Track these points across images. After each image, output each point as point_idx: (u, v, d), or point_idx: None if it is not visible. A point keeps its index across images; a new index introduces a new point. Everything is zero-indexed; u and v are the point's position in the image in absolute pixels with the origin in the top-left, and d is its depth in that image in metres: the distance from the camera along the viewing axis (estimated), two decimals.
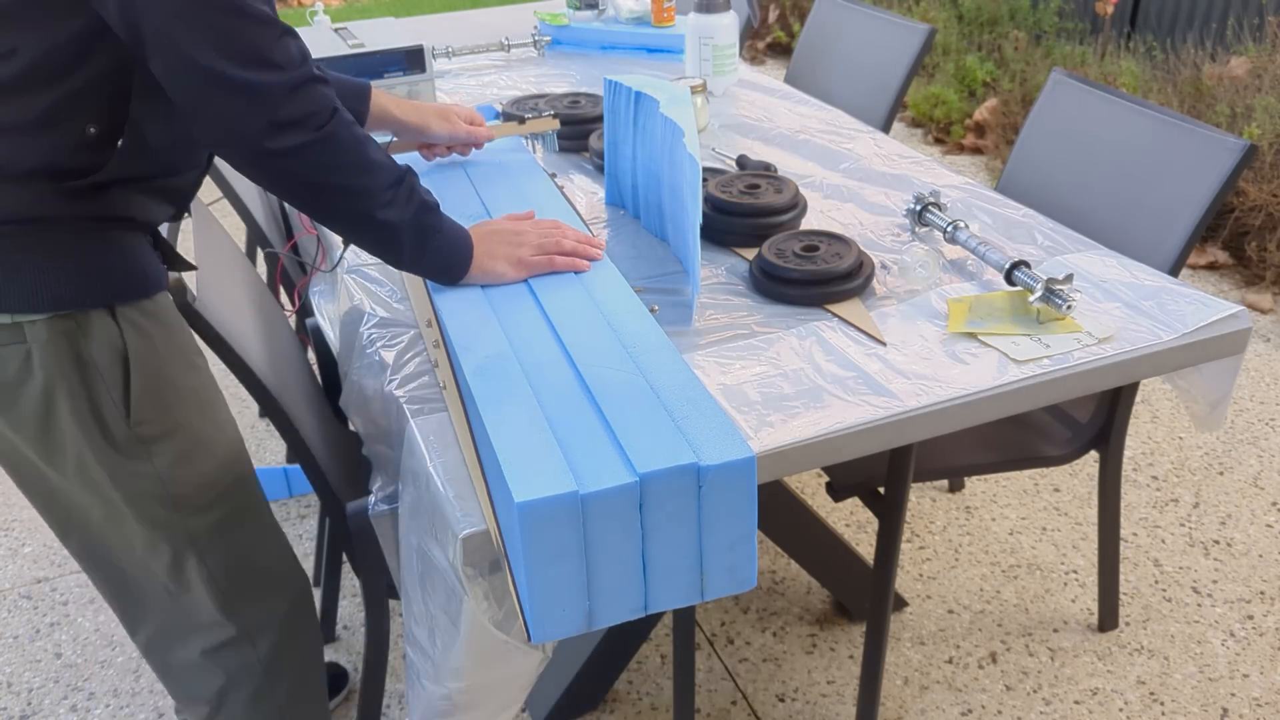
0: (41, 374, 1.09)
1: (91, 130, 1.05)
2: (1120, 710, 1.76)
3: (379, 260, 1.56)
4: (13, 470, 1.20)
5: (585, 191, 1.80)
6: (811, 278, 1.39)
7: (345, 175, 1.11)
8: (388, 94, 1.52)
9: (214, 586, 1.26)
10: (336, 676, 1.84)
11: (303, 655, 1.39)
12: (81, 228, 1.08)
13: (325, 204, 1.13)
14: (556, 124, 1.82)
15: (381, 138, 1.64)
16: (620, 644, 1.73)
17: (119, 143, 1.07)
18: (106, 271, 1.10)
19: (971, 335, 1.32)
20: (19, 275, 1.06)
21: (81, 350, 1.10)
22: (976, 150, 4.14)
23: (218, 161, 1.84)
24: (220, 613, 1.27)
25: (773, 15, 5.51)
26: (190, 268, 1.26)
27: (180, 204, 1.20)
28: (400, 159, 1.45)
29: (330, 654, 1.92)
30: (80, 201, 1.07)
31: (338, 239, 1.63)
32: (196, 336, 1.23)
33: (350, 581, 2.06)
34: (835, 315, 1.37)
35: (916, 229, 1.61)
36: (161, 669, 1.33)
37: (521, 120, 1.79)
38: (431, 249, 1.21)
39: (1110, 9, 4.27)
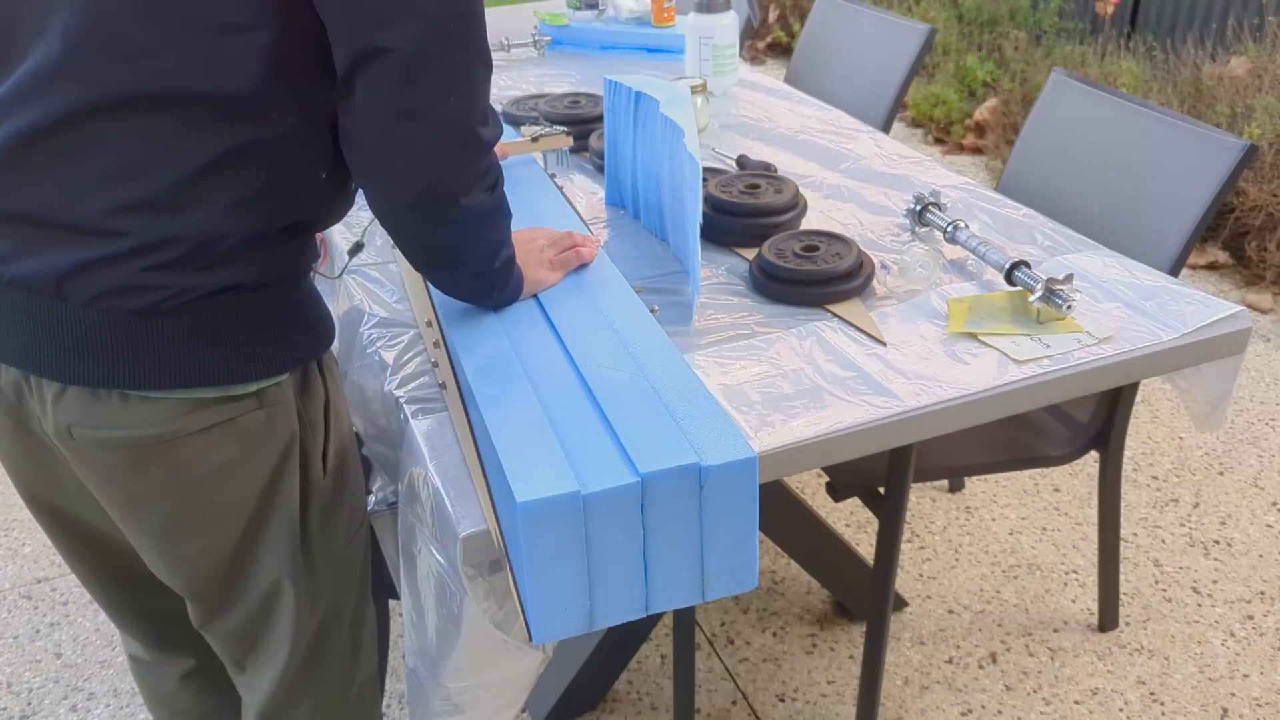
0: (281, 436, 1.02)
1: (322, 175, 0.99)
2: (1120, 710, 1.76)
3: (378, 261, 1.56)
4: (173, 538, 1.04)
5: (585, 191, 1.80)
6: (811, 278, 1.39)
7: (494, 232, 1.05)
8: None
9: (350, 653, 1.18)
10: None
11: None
12: (302, 279, 1.03)
13: (459, 260, 1.06)
14: (569, 141, 1.77)
15: None
16: (620, 644, 1.73)
17: (352, 184, 1.04)
18: (319, 316, 1.06)
19: (971, 335, 1.32)
20: (268, 337, 0.98)
21: (301, 408, 1.04)
22: (976, 150, 4.14)
23: None
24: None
25: (773, 15, 5.51)
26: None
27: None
28: None
29: None
30: (303, 253, 1.02)
31: (341, 242, 1.63)
32: None
33: None
34: (835, 315, 1.37)
35: (916, 229, 1.61)
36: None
37: (535, 139, 1.73)
38: (512, 285, 1.19)
39: (1110, 9, 4.27)
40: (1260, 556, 2.07)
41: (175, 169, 0.89)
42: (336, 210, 1.05)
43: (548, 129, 1.76)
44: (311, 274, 1.06)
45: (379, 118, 0.90)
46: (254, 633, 1.12)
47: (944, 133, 4.30)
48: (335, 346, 1.52)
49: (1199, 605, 1.96)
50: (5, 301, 0.94)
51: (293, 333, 1.01)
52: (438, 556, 1.09)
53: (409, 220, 0.99)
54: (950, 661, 1.86)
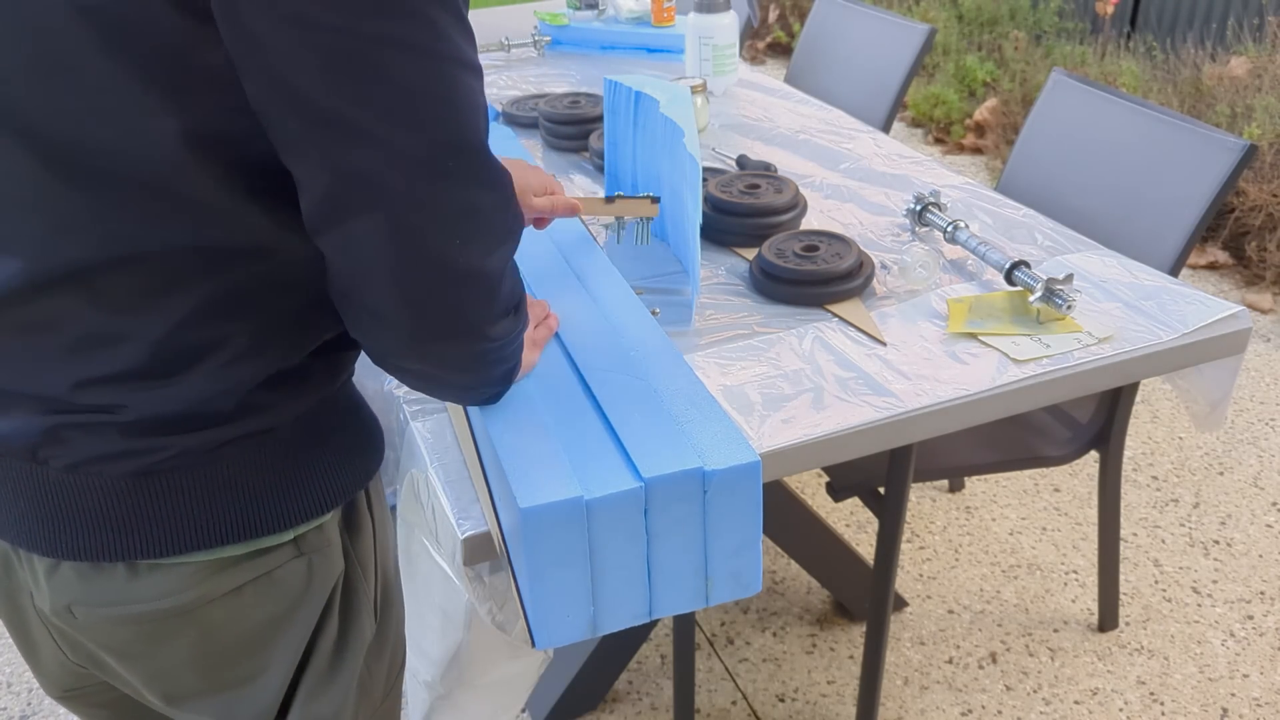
0: (325, 584, 0.88)
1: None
2: (1120, 710, 1.76)
3: None
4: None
5: (585, 191, 1.80)
6: (811, 278, 1.39)
7: (513, 346, 0.89)
8: None
9: None
10: None
11: None
12: (339, 396, 0.89)
13: (476, 385, 0.90)
14: (655, 210, 1.41)
15: None
16: (620, 644, 1.73)
17: None
18: (365, 431, 0.91)
19: (971, 335, 1.32)
20: (305, 474, 0.84)
21: (349, 548, 0.90)
22: (976, 150, 4.14)
23: None
24: None
25: (773, 15, 5.51)
26: None
27: None
28: None
29: None
30: (342, 368, 0.88)
31: None
32: None
33: None
34: (835, 315, 1.37)
35: (916, 229, 1.60)
36: None
37: (610, 200, 1.40)
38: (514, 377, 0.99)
39: (1110, 9, 4.27)
40: (1260, 556, 2.07)
41: (147, 334, 0.74)
42: None
43: (634, 196, 1.42)
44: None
45: (370, 277, 0.74)
46: None
47: (944, 133, 4.30)
48: None
49: (1199, 605, 1.96)
50: None
51: (335, 461, 0.86)
52: (438, 558, 1.09)
53: (418, 366, 0.82)
54: (950, 661, 1.86)
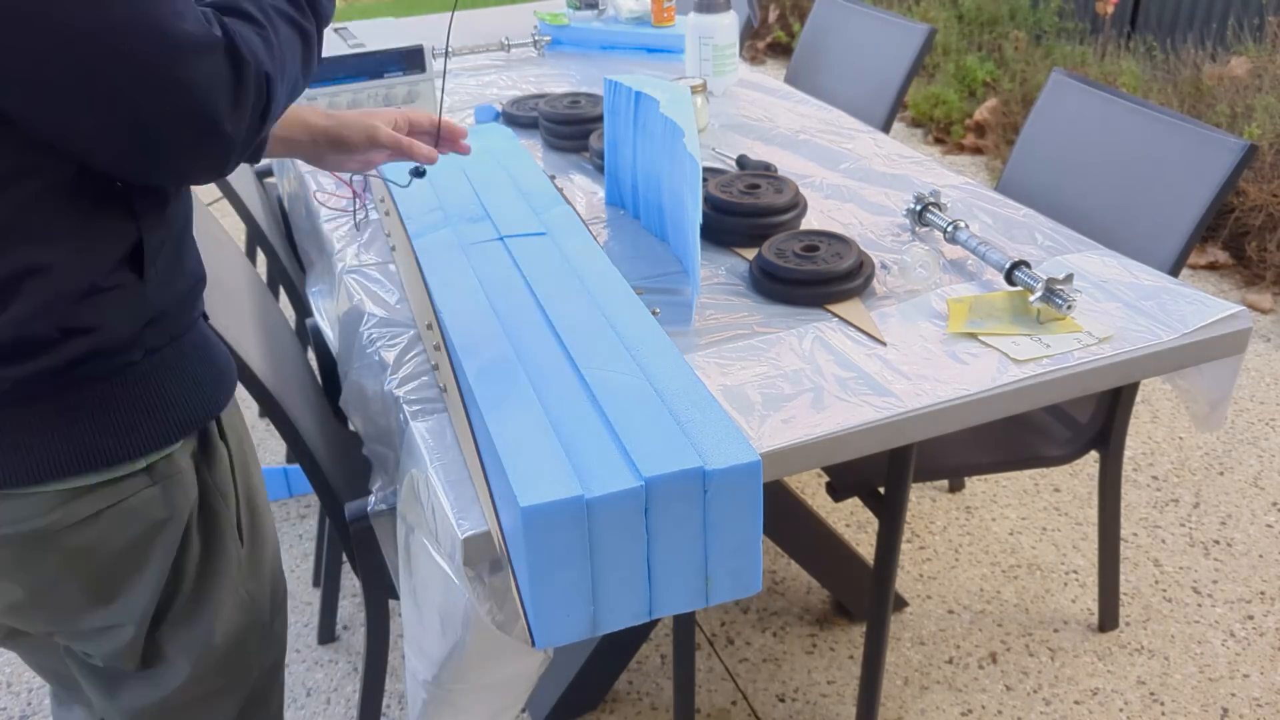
0: (182, 511, 0.93)
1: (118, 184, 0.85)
2: (1120, 710, 1.76)
3: (378, 261, 1.56)
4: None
5: (585, 191, 1.80)
6: (811, 278, 1.39)
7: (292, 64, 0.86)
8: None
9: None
10: None
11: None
12: (183, 329, 0.92)
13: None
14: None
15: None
16: (620, 644, 1.73)
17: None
18: (213, 367, 0.95)
19: (971, 335, 1.32)
20: (151, 404, 0.88)
21: (207, 477, 0.95)
22: (976, 150, 4.14)
23: None
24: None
25: (773, 15, 5.51)
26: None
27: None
28: None
29: (330, 654, 1.92)
30: (161, 289, 0.89)
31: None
32: None
33: (350, 581, 2.06)
34: (835, 315, 1.37)
35: (916, 229, 1.60)
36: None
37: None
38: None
39: (1110, 9, 4.27)
40: (1260, 556, 2.07)
41: None
42: (172, 216, 0.89)
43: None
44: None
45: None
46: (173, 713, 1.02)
47: (944, 133, 4.30)
48: (336, 343, 1.52)
49: (1199, 605, 1.96)
50: None
51: (182, 393, 0.90)
52: (438, 558, 1.09)
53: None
54: (950, 661, 1.86)
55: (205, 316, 1.00)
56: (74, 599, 0.91)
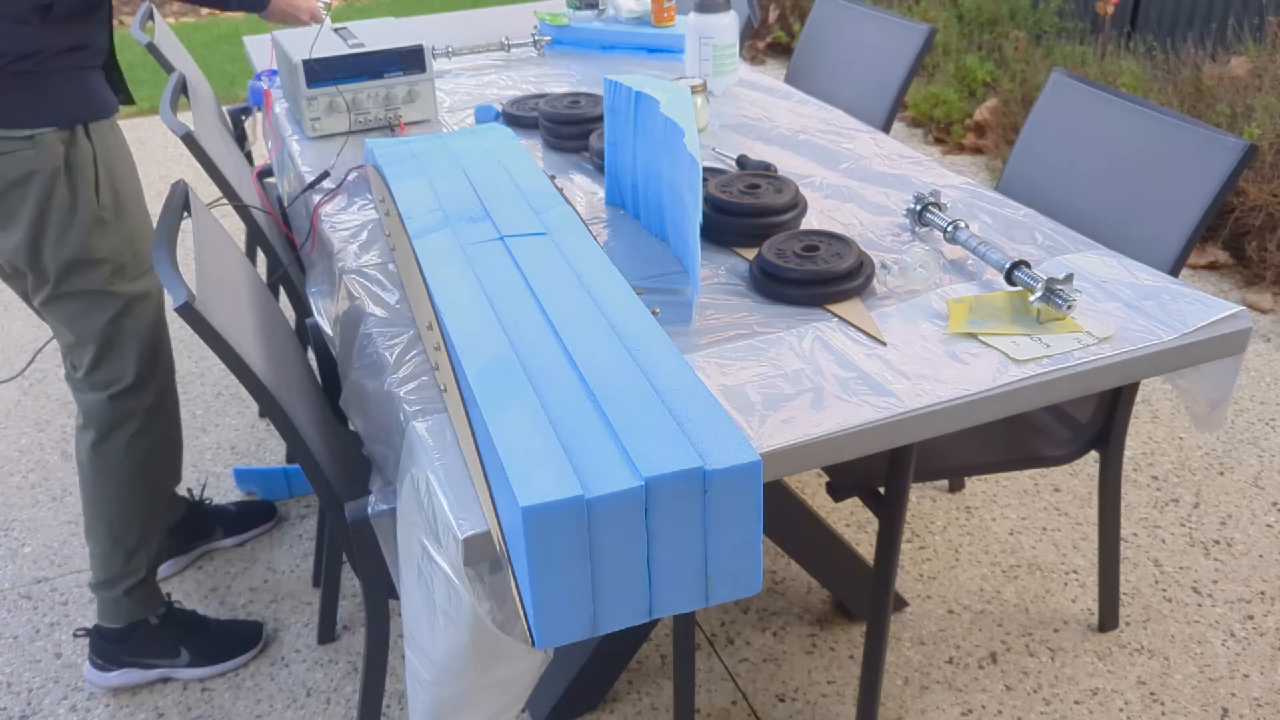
0: (47, 165, 1.54)
1: None
2: (1120, 710, 1.76)
3: (378, 261, 1.56)
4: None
5: (585, 191, 1.80)
6: (811, 278, 1.39)
7: None
8: None
9: (138, 341, 1.71)
10: (266, 510, 2.25)
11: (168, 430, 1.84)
12: (69, 60, 1.53)
13: None
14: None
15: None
16: (620, 644, 1.73)
17: None
18: (86, 96, 1.58)
19: (971, 335, 1.32)
20: (37, 102, 1.51)
21: (69, 155, 1.56)
22: (976, 150, 4.14)
23: (218, 162, 1.84)
24: (135, 368, 1.72)
25: (773, 15, 5.51)
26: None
27: (110, 34, 1.64)
28: None
29: (330, 654, 1.92)
30: (65, 33, 1.51)
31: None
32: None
33: (350, 581, 2.06)
34: (835, 315, 1.37)
35: (916, 229, 1.61)
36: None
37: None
38: None
39: (1110, 9, 4.27)
40: (1260, 556, 2.07)
41: None
42: None
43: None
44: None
45: None
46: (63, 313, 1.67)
47: (944, 133, 4.30)
48: (336, 343, 1.52)
49: (1199, 605, 1.96)
50: None
51: (58, 101, 1.54)
52: (438, 558, 1.09)
53: None
54: (950, 661, 1.86)
55: (113, 86, 1.71)
56: None
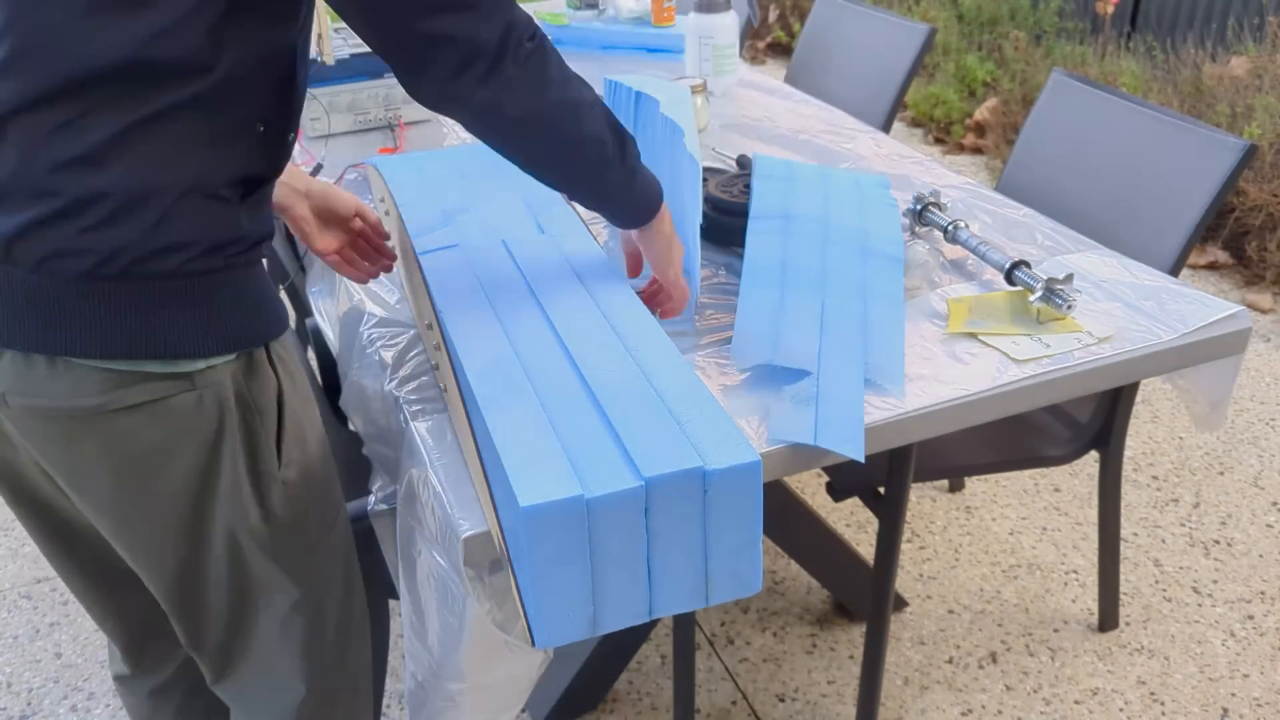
0: (212, 420, 1.00)
1: (260, 128, 0.98)
2: (1120, 710, 1.76)
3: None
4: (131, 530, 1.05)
5: None
6: None
7: (569, 91, 1.08)
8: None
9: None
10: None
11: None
12: (252, 260, 1.01)
13: (549, 128, 1.07)
14: None
15: None
16: (620, 644, 1.73)
17: (289, 136, 1.03)
18: (269, 302, 1.03)
19: (971, 335, 1.32)
20: (210, 316, 0.97)
21: (245, 393, 1.02)
22: (976, 150, 4.14)
23: None
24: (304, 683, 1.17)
25: (773, 15, 5.51)
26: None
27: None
28: None
29: None
30: (253, 221, 1.00)
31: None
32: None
33: None
34: None
35: (916, 229, 1.60)
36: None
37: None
38: (642, 179, 1.20)
39: (1110, 9, 4.27)
40: (1260, 556, 2.07)
41: (108, 127, 0.89)
42: (278, 163, 1.04)
43: None
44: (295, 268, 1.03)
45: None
46: (230, 636, 1.11)
47: (944, 133, 4.30)
48: (336, 343, 1.52)
49: (1199, 605, 1.96)
50: None
51: (237, 314, 0.99)
52: (438, 558, 1.09)
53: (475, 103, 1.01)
54: (950, 661, 1.86)
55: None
56: (108, 493, 1.01)
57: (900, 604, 1.98)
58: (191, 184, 0.93)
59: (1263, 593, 1.98)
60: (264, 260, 1.05)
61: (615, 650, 1.74)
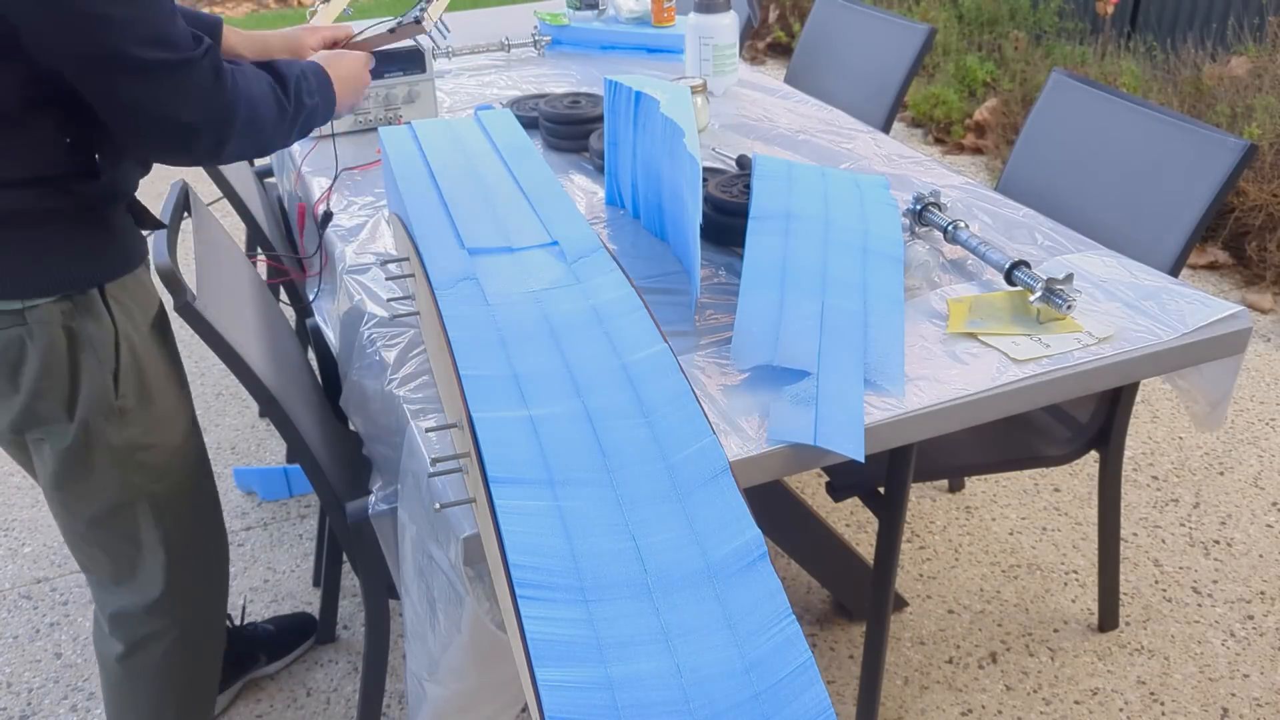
0: (39, 355, 1.16)
1: (67, 140, 1.11)
2: (1120, 710, 1.76)
3: (379, 261, 1.56)
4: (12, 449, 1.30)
5: (585, 191, 1.80)
6: None
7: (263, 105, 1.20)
8: (236, 31, 1.52)
9: (166, 548, 1.36)
10: (305, 623, 1.94)
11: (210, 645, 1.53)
12: (79, 215, 1.15)
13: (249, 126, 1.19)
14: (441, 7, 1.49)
15: None
16: None
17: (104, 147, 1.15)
18: (99, 251, 1.18)
19: (971, 335, 1.32)
20: (24, 262, 1.12)
21: (77, 330, 1.17)
22: (976, 150, 4.14)
23: None
24: (163, 580, 1.38)
25: (773, 15, 5.51)
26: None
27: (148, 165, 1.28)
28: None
29: (330, 654, 1.92)
30: (77, 193, 1.14)
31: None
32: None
33: (350, 581, 2.06)
34: None
35: (916, 229, 1.60)
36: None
37: (392, 30, 1.52)
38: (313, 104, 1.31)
39: (1110, 9, 4.27)
40: (1260, 556, 2.07)
41: None
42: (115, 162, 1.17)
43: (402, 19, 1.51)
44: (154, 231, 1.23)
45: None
46: (104, 539, 1.33)
47: (944, 133, 4.30)
48: (336, 343, 1.52)
49: (1199, 605, 1.96)
50: None
51: (58, 260, 1.14)
52: (438, 558, 1.09)
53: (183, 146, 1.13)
54: (950, 661, 1.86)
55: (138, 214, 1.26)
56: None
57: (900, 604, 1.98)
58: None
59: (1263, 593, 1.98)
60: (116, 206, 1.19)
61: None
